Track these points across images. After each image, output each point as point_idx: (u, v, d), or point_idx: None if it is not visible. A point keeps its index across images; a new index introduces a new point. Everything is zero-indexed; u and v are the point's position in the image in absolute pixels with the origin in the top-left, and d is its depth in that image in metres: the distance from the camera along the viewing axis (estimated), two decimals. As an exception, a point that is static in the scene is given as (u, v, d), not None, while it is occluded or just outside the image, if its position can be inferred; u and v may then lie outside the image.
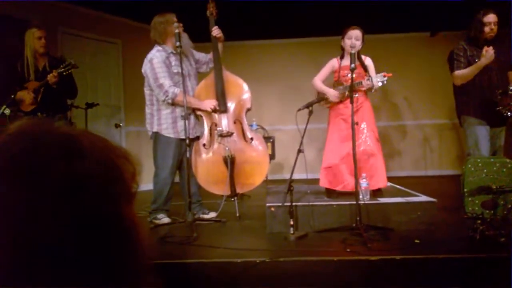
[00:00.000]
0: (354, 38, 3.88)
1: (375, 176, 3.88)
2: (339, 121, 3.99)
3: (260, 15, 6.47)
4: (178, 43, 3.65)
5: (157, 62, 3.88)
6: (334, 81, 4.11)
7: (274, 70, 7.90)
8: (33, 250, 0.48)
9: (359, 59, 3.99)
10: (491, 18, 4.06)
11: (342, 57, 4.09)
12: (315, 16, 6.52)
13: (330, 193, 3.99)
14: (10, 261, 0.48)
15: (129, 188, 0.57)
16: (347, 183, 3.88)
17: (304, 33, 7.53)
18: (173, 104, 3.90)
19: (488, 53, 3.87)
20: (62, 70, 4.04)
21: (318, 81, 4.13)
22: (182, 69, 3.68)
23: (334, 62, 4.14)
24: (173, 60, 3.94)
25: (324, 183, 4.00)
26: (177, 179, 4.14)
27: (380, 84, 3.79)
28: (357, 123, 3.50)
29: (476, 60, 4.07)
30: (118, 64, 6.77)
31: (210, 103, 4.01)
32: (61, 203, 0.50)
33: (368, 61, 4.05)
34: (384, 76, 3.75)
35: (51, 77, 4.02)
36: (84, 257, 0.50)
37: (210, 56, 4.29)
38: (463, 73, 4.15)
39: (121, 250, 0.54)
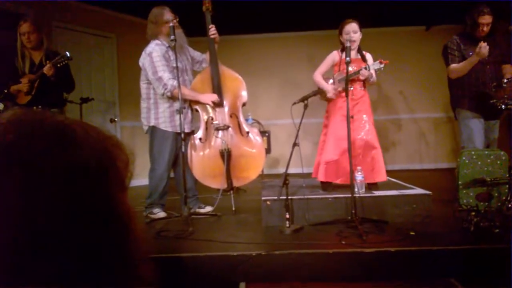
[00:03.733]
0: (352, 31, 3.89)
1: (377, 169, 3.90)
2: (338, 113, 3.98)
3: (255, 9, 6.45)
4: (172, 37, 3.64)
5: (156, 55, 3.87)
6: (334, 74, 4.11)
7: (270, 64, 7.89)
8: (27, 240, 0.48)
9: (360, 52, 4.00)
10: (485, 19, 4.05)
11: (342, 50, 4.08)
12: (311, 10, 6.50)
13: (326, 186, 4.00)
14: (8, 250, 0.48)
15: (122, 176, 0.57)
16: (344, 178, 3.89)
17: (300, 27, 7.52)
18: (172, 97, 3.90)
19: (481, 50, 3.87)
20: (56, 62, 4.01)
21: (319, 75, 4.13)
22: (177, 61, 3.68)
23: (334, 55, 4.13)
24: (171, 54, 3.92)
25: (322, 177, 3.99)
26: (172, 174, 4.14)
27: (375, 70, 3.81)
28: (352, 117, 3.52)
29: (470, 53, 4.08)
30: (113, 59, 6.74)
31: (210, 97, 4.00)
32: (57, 191, 0.50)
33: (368, 56, 4.06)
34: (381, 63, 3.76)
35: (47, 69, 3.99)
36: (79, 245, 0.50)
37: (205, 56, 4.29)
38: (457, 68, 4.16)
39: (116, 237, 0.54)
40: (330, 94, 4.01)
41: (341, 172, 3.91)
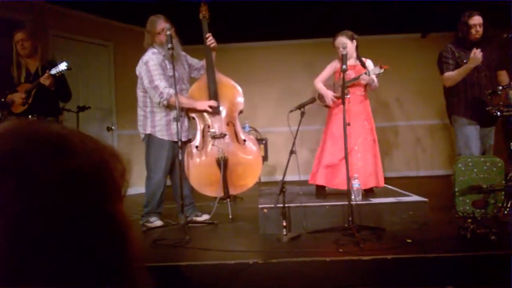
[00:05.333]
0: (341, 46, 3.92)
1: (374, 174, 3.91)
2: (339, 120, 3.99)
3: (252, 17, 6.48)
4: (170, 45, 3.65)
5: (153, 64, 3.88)
6: (335, 81, 4.15)
7: (267, 72, 7.91)
8: (25, 249, 0.48)
9: (359, 59, 4.04)
10: (476, 20, 4.11)
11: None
12: (307, 18, 6.55)
13: (320, 193, 4.01)
14: (6, 252, 0.48)
15: (119, 186, 0.57)
16: (341, 180, 3.91)
17: (297, 35, 7.56)
18: (168, 106, 3.90)
19: (476, 56, 3.91)
20: (54, 72, 4.01)
21: (319, 82, 4.18)
22: (174, 69, 3.69)
23: (335, 63, 4.18)
24: (168, 63, 3.93)
25: (322, 181, 3.99)
26: (169, 182, 4.13)
27: (375, 76, 3.84)
28: (349, 124, 3.52)
29: (465, 61, 4.11)
30: (110, 67, 6.75)
31: (207, 103, 4.00)
32: (53, 202, 0.50)
33: (368, 62, 4.10)
34: (381, 68, 3.79)
35: (44, 79, 3.99)
36: (76, 255, 0.50)
37: (202, 63, 4.30)
38: (452, 75, 4.19)
39: (112, 248, 0.54)
40: (328, 100, 4.04)
41: (338, 176, 3.92)
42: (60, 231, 0.50)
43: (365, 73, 3.87)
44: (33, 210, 0.49)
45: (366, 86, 4.03)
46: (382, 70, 3.80)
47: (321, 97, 4.14)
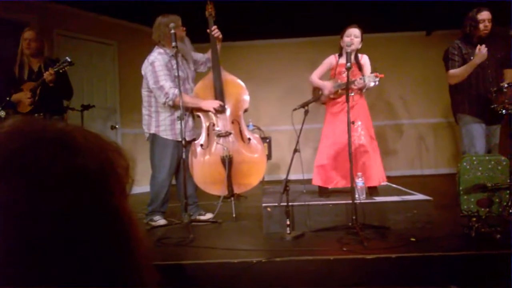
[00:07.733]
0: (353, 35, 3.90)
1: (368, 174, 3.89)
2: (334, 119, 4.00)
3: (257, 15, 6.48)
4: (174, 43, 3.65)
5: (159, 65, 3.87)
6: (331, 77, 4.14)
7: (271, 71, 7.91)
8: (31, 248, 0.48)
9: (355, 58, 4.01)
10: (485, 15, 4.08)
11: (340, 55, 4.11)
12: (312, 16, 6.53)
13: (322, 192, 4.01)
14: (9, 260, 0.48)
15: (123, 182, 0.57)
16: (338, 181, 3.90)
17: (301, 33, 7.55)
18: (174, 106, 3.90)
19: (481, 52, 3.90)
20: (57, 68, 4.01)
21: (315, 77, 4.16)
22: (178, 69, 3.68)
23: (331, 59, 4.16)
24: (175, 63, 3.91)
25: (316, 181, 4.01)
26: (173, 181, 4.13)
27: (372, 84, 3.81)
28: (353, 122, 3.51)
29: (472, 58, 4.08)
30: (114, 66, 6.76)
31: (212, 104, 4.00)
32: (58, 199, 0.50)
33: (364, 59, 4.06)
34: (376, 77, 3.76)
35: (48, 75, 3.99)
36: (81, 254, 0.50)
37: (207, 55, 4.29)
38: (457, 72, 4.17)
39: (117, 245, 0.54)
40: (326, 91, 4.01)
41: (333, 176, 3.92)
42: (66, 229, 0.50)
43: (360, 79, 3.84)
44: (38, 210, 0.49)
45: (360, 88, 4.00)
46: (377, 79, 3.76)
47: (316, 94, 4.12)
